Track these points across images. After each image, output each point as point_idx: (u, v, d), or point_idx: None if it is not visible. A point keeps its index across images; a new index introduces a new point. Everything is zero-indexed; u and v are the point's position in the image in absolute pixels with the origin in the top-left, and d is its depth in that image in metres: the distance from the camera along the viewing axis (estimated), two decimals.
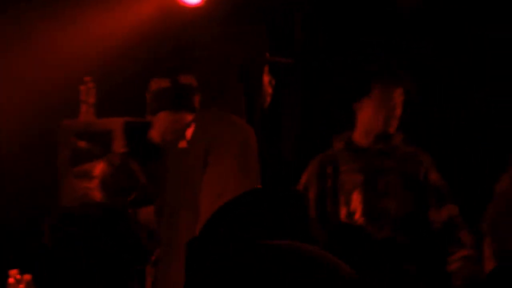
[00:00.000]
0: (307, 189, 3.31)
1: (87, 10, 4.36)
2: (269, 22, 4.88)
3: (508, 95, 4.24)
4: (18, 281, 1.90)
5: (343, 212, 3.22)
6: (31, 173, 4.42)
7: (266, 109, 2.95)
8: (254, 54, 2.80)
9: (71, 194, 3.88)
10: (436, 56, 4.61)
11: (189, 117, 3.09)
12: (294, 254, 1.03)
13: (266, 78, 2.84)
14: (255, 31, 2.87)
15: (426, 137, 4.58)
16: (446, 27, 4.58)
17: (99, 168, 3.17)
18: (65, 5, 4.33)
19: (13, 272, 1.94)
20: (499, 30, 4.39)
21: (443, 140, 4.48)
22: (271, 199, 1.55)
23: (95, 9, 4.36)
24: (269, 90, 2.87)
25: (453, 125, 4.54)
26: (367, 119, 3.29)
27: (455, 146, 4.35)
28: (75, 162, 4.07)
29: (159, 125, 3.15)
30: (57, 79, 4.29)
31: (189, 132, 2.72)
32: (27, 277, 2.07)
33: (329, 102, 4.94)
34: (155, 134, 3.18)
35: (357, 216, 3.19)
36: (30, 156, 4.43)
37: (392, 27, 4.72)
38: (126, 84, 4.34)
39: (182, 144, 2.72)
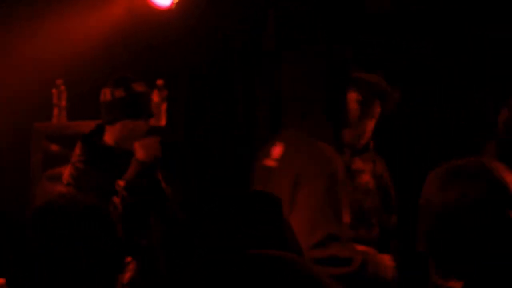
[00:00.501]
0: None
1: (59, 14, 4.36)
2: (241, 21, 4.93)
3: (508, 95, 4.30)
4: None
5: None
6: (3, 176, 4.41)
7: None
8: (339, 71, 2.83)
9: (43, 197, 3.87)
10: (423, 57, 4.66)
11: (146, 124, 3.13)
12: (279, 263, 1.06)
13: (352, 96, 2.89)
14: (340, 48, 2.91)
15: (426, 137, 4.65)
16: (434, 27, 4.62)
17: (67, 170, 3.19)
18: (37, 9, 4.34)
19: None
20: (499, 30, 4.44)
21: (442, 140, 4.54)
22: (248, 205, 1.58)
23: (67, 12, 4.36)
24: (354, 106, 2.90)
25: (453, 125, 4.59)
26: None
27: (455, 146, 4.38)
28: (48, 165, 4.08)
29: (116, 132, 3.17)
30: (29, 82, 4.29)
31: (276, 151, 2.73)
32: (1, 281, 2.08)
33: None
34: (109, 139, 3.19)
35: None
36: (2, 159, 4.43)
37: (365, 27, 4.78)
38: (98, 87, 4.35)
39: (269, 162, 2.73)
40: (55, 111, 4.29)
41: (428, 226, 1.73)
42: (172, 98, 4.50)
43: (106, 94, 3.18)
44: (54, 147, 4.17)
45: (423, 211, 1.78)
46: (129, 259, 3.10)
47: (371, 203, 3.29)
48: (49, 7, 4.37)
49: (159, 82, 4.21)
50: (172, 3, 4.42)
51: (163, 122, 4.13)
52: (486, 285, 1.69)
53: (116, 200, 3.03)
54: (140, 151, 3.08)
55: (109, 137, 3.20)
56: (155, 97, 4.07)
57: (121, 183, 3.05)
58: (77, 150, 3.21)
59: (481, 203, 1.73)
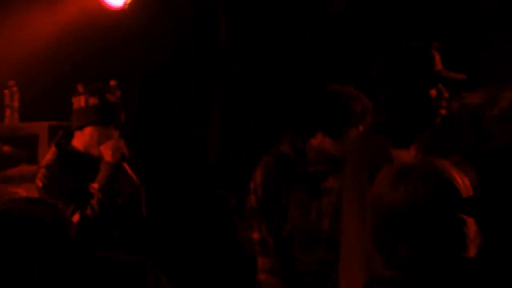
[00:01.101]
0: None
1: (11, 14, 4.35)
2: (194, 22, 4.95)
3: None
4: None
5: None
6: None
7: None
8: (424, 70, 2.88)
9: None
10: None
11: (115, 133, 3.24)
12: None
13: (434, 93, 2.93)
14: (425, 46, 2.94)
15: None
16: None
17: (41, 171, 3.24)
18: None
19: None
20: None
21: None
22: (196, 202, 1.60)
23: (19, 13, 4.35)
24: (443, 103, 2.94)
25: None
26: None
27: None
28: (0, 166, 4.06)
29: (85, 138, 3.28)
30: None
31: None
32: None
33: (254, 102, 5.03)
34: (78, 145, 3.29)
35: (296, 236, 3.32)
36: None
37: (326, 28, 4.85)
38: (50, 88, 4.36)
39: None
40: (7, 112, 4.27)
41: (376, 222, 1.77)
42: (126, 98, 4.50)
43: (80, 101, 3.31)
44: (6, 148, 4.16)
45: (373, 209, 1.80)
46: None
47: (330, 225, 3.32)
48: (2, 8, 4.35)
49: (112, 83, 4.21)
50: (125, 4, 4.42)
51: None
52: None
53: (93, 202, 3.13)
54: (107, 153, 3.20)
55: (78, 142, 3.30)
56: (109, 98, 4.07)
57: (95, 185, 3.16)
58: (49, 155, 3.28)
59: (429, 204, 1.74)
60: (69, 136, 3.33)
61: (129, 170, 3.31)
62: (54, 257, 1.53)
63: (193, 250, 4.55)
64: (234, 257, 4.12)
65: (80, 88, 4.14)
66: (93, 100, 3.26)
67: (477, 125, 3.22)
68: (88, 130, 3.26)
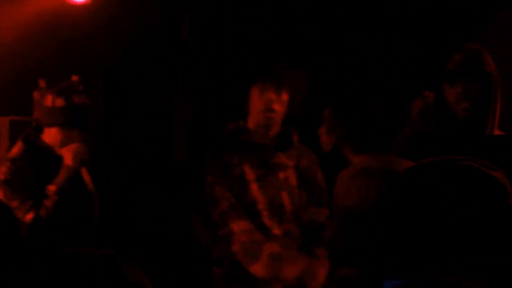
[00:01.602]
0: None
1: None
2: (156, 22, 4.95)
3: None
4: None
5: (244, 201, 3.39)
6: None
7: None
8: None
9: None
10: None
11: (79, 135, 3.23)
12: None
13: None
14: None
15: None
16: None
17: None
18: None
19: None
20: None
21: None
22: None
23: None
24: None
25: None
26: (253, 115, 3.52)
27: None
28: None
29: (51, 137, 3.27)
30: None
31: None
32: None
33: (219, 101, 5.05)
34: (47, 140, 3.29)
35: (260, 207, 3.38)
36: None
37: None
38: (12, 83, 4.34)
39: None
40: None
41: (335, 222, 1.79)
42: (90, 93, 4.50)
43: (48, 100, 3.28)
44: None
45: (333, 209, 1.83)
46: None
47: (289, 199, 3.41)
48: None
49: (75, 78, 4.21)
50: None
51: None
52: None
53: (48, 203, 3.11)
54: (68, 157, 3.20)
55: (46, 138, 3.29)
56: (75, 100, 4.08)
57: (52, 187, 3.14)
58: (16, 149, 3.27)
59: (380, 205, 1.76)
60: (39, 129, 3.31)
61: (86, 177, 3.32)
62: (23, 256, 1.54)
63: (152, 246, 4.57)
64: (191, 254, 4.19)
65: (42, 83, 4.13)
66: (59, 102, 3.24)
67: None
68: (52, 131, 3.25)
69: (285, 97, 3.55)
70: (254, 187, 3.41)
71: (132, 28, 4.86)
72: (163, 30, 4.97)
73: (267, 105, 3.49)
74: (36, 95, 4.29)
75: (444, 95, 2.97)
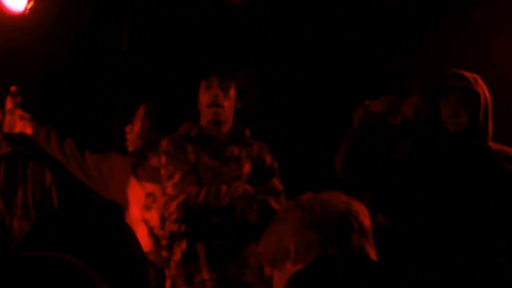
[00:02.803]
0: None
1: None
2: (96, 24, 4.95)
3: None
4: None
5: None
6: None
7: None
8: None
9: None
10: None
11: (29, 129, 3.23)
12: (53, 265, 1.10)
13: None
14: None
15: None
16: None
17: None
18: None
19: None
20: None
21: None
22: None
23: None
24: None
25: None
26: (202, 112, 3.58)
27: None
28: None
29: None
30: None
31: None
32: None
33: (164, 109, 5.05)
34: None
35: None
36: None
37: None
38: None
39: None
40: None
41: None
42: (30, 104, 4.47)
43: None
44: None
45: None
46: None
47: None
48: None
49: (13, 88, 4.17)
50: (26, 8, 4.38)
51: (17, 129, 4.10)
52: None
53: None
54: None
55: None
56: (8, 103, 4.04)
57: None
58: None
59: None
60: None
61: None
62: None
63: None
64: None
65: None
66: None
67: (380, 135, 3.33)
68: None
69: (232, 92, 3.60)
70: (207, 176, 3.46)
71: (70, 37, 4.84)
72: (101, 37, 4.97)
73: (213, 101, 3.53)
74: None
75: (439, 110, 3.16)
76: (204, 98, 3.60)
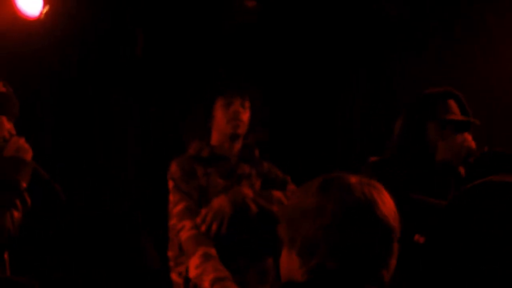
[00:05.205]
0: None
1: None
2: (111, 31, 4.99)
3: None
4: None
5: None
6: None
7: None
8: None
9: None
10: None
11: (8, 123, 3.21)
12: None
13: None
14: None
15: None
16: None
17: None
18: None
19: None
20: None
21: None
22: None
23: None
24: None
25: None
26: (219, 128, 3.59)
27: None
28: None
29: None
30: None
31: None
32: None
33: (173, 119, 5.08)
34: None
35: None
36: None
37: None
38: None
39: None
40: None
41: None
42: (40, 109, 4.52)
43: None
44: None
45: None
46: None
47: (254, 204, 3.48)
48: None
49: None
50: (41, 13, 4.43)
51: None
52: None
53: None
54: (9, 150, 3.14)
55: None
56: None
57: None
58: None
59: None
60: None
61: None
62: None
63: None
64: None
65: None
66: None
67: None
68: None
69: (248, 108, 3.65)
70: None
71: (85, 43, 4.88)
72: (116, 45, 5.00)
73: (235, 117, 3.57)
74: None
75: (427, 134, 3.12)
76: (222, 115, 3.62)
